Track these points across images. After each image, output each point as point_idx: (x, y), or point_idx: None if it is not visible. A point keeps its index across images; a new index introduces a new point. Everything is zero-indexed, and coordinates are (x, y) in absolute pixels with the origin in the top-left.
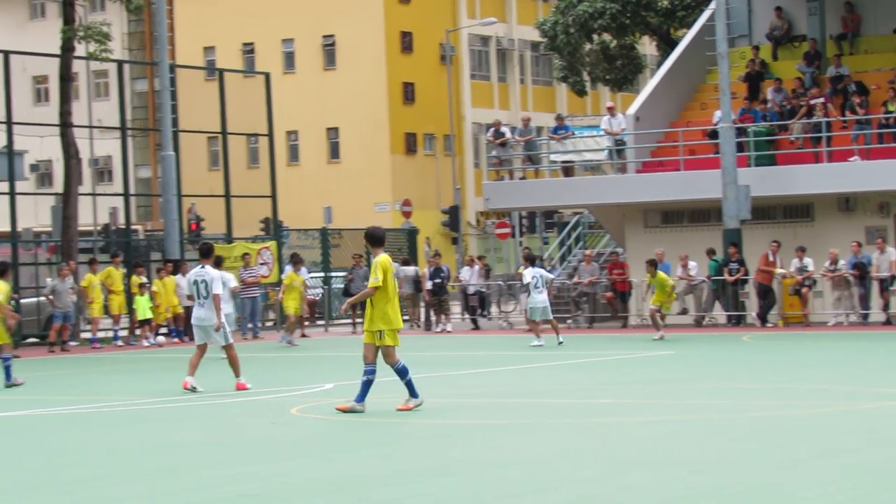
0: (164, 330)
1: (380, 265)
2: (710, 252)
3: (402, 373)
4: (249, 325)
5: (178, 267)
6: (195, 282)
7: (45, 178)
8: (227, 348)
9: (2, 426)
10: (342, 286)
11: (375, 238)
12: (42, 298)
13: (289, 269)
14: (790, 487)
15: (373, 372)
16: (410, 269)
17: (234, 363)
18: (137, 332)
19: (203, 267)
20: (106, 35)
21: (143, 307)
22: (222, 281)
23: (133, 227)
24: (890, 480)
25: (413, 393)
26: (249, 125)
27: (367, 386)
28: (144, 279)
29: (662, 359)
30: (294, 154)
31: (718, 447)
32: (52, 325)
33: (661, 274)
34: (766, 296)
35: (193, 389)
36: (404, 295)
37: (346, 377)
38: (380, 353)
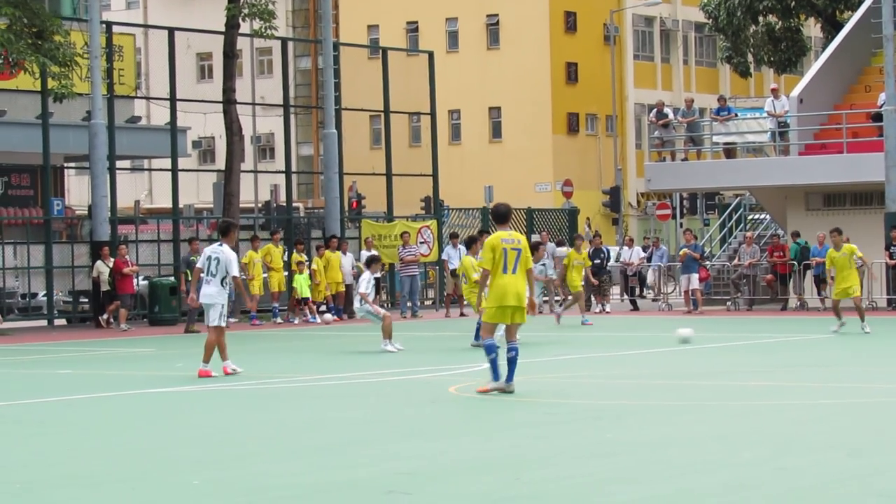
0: (323, 308)
1: (486, 245)
2: (795, 234)
3: (486, 350)
4: (409, 304)
5: (340, 244)
6: (209, 258)
7: (207, 154)
8: (213, 330)
9: (161, 402)
10: None
11: (499, 214)
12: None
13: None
14: None
15: (494, 349)
16: (559, 250)
17: (209, 348)
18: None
19: (221, 245)
20: (271, 12)
21: (302, 285)
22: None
23: (294, 204)
24: None
25: (495, 375)
26: (412, 104)
27: (495, 364)
28: (304, 257)
29: (821, 341)
30: (456, 133)
31: (877, 429)
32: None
33: (849, 245)
34: None
35: (234, 372)
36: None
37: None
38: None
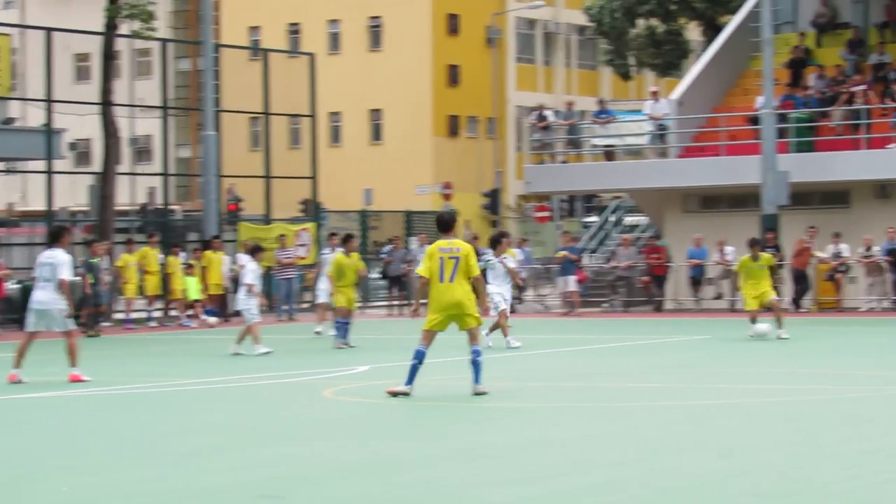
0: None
1: (426, 254)
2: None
3: (414, 354)
4: (285, 307)
5: (208, 244)
6: (41, 263)
7: (83, 156)
8: (68, 335)
9: (33, 407)
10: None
11: (442, 223)
12: (77, 278)
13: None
14: (815, 471)
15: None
16: None
17: (73, 352)
18: (173, 312)
19: (53, 249)
20: (150, 13)
21: (193, 288)
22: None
23: (171, 207)
24: None
25: (410, 379)
26: (292, 106)
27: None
28: (192, 260)
29: (696, 343)
30: (336, 135)
31: (748, 431)
32: (85, 306)
33: (767, 256)
34: (801, 281)
35: (20, 382)
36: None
37: (381, 359)
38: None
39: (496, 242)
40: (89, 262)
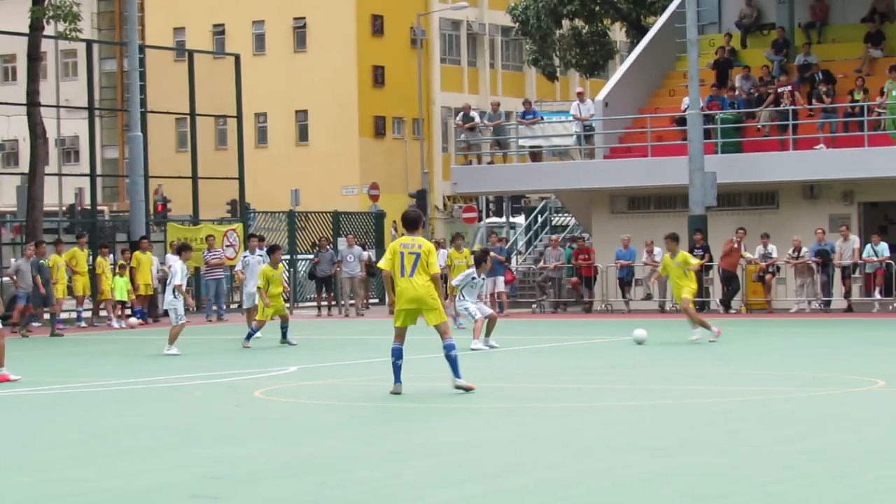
0: (128, 312)
1: (388, 249)
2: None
3: (392, 354)
4: (214, 307)
5: (136, 244)
6: None
7: (10, 157)
8: None
9: None
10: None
11: (408, 220)
12: (6, 279)
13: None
14: (750, 472)
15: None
16: (364, 254)
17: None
18: (102, 312)
19: None
20: (76, 14)
21: (121, 288)
22: None
23: (99, 207)
24: (848, 466)
25: (397, 377)
26: (218, 107)
27: (451, 361)
28: (109, 261)
29: (625, 344)
30: (262, 136)
31: (680, 432)
32: (16, 305)
33: (683, 253)
34: (730, 282)
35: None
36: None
37: (310, 360)
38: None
39: (481, 260)
40: (38, 262)
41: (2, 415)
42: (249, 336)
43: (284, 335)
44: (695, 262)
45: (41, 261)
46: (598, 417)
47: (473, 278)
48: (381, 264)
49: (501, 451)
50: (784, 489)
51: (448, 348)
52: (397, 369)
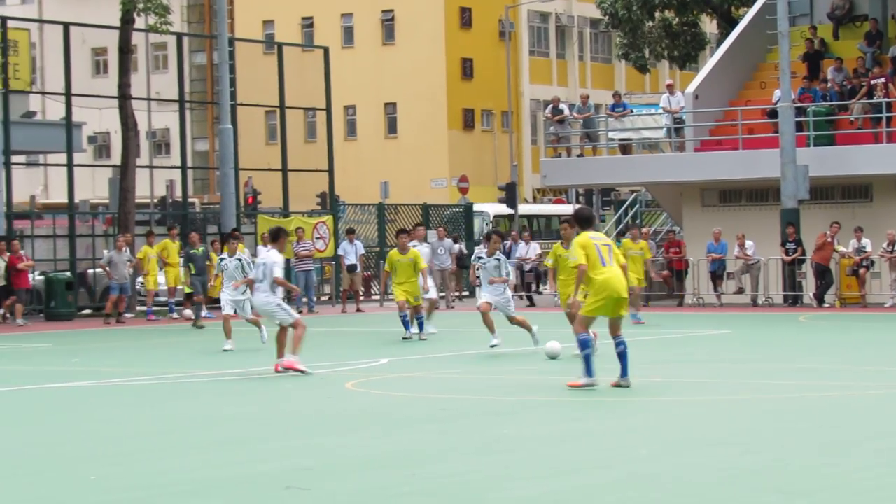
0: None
1: (576, 244)
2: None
3: (582, 345)
4: (304, 299)
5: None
6: (257, 264)
7: (102, 149)
8: (294, 326)
9: (57, 397)
10: None
11: (584, 219)
12: (99, 270)
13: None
14: (844, 469)
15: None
16: (455, 246)
17: (296, 340)
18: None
19: (268, 250)
20: (166, 8)
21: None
22: None
23: (190, 199)
24: None
25: (589, 371)
26: (307, 99)
27: (589, 360)
28: (212, 253)
29: (719, 338)
30: (351, 129)
31: (773, 427)
32: (109, 296)
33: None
34: (824, 276)
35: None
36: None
37: (401, 353)
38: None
39: (488, 239)
40: (190, 252)
41: (92, 405)
42: (408, 325)
43: (421, 325)
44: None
45: (192, 250)
46: (688, 412)
47: (480, 258)
48: (579, 259)
49: (589, 445)
50: (877, 485)
51: (621, 345)
52: (590, 360)
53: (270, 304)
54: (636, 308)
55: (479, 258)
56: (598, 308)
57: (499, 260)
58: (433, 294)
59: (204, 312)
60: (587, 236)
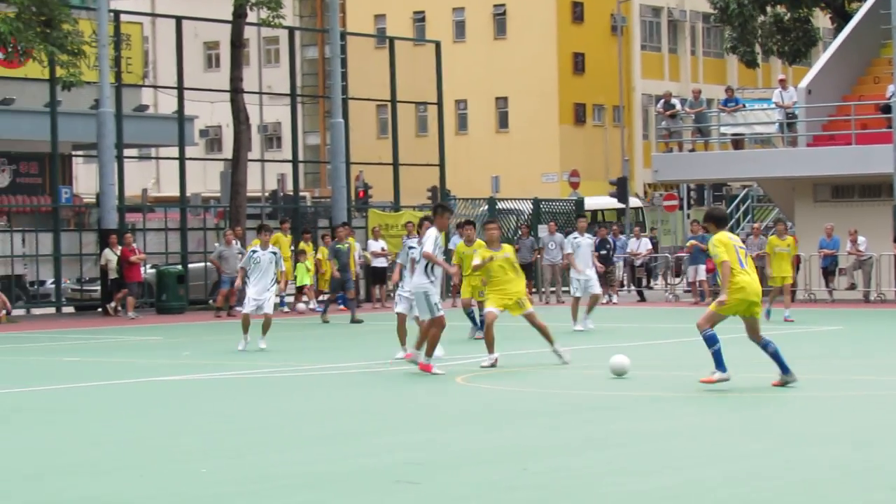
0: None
1: (717, 242)
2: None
3: (709, 341)
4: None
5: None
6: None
7: (214, 143)
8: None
9: (169, 391)
10: None
11: (719, 218)
12: (209, 264)
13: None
14: None
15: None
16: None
17: (425, 338)
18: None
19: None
20: (278, 2)
21: (301, 273)
22: None
23: (301, 193)
24: None
25: (721, 366)
26: (418, 93)
27: (719, 355)
28: (303, 245)
29: (830, 334)
30: (462, 123)
31: (885, 423)
32: (220, 290)
33: (479, 242)
34: None
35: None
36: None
37: (511, 347)
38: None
39: (420, 226)
40: (336, 247)
41: (203, 398)
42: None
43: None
44: (477, 260)
45: (337, 245)
46: (799, 407)
47: (412, 248)
48: (722, 257)
49: (701, 440)
50: None
51: (770, 344)
52: (720, 355)
53: (419, 290)
54: (786, 306)
55: (411, 248)
56: (731, 307)
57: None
58: (597, 288)
59: (313, 305)
60: (726, 236)
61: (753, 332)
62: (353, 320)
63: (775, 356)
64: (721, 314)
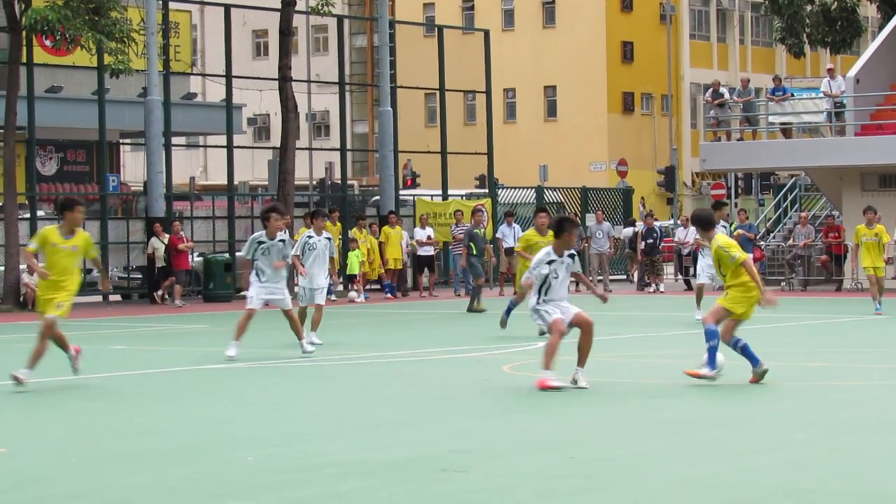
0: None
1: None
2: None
3: (707, 335)
4: (462, 282)
5: (386, 219)
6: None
7: (262, 131)
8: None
9: (214, 379)
10: None
11: (703, 221)
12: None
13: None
14: None
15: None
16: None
17: None
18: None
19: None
20: None
21: (352, 262)
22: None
23: (349, 182)
24: None
25: (711, 363)
26: (467, 82)
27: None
28: (356, 233)
29: (877, 322)
30: (511, 112)
31: None
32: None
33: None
34: None
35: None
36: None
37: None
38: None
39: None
40: (473, 231)
41: (248, 387)
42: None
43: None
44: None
45: (475, 230)
46: (845, 396)
47: (310, 237)
48: (742, 256)
49: (747, 428)
50: None
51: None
52: (714, 351)
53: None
54: (872, 296)
55: (309, 237)
56: (741, 305)
57: (328, 239)
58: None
59: (362, 298)
60: (725, 237)
61: (728, 334)
62: (473, 308)
63: (745, 351)
64: (728, 311)
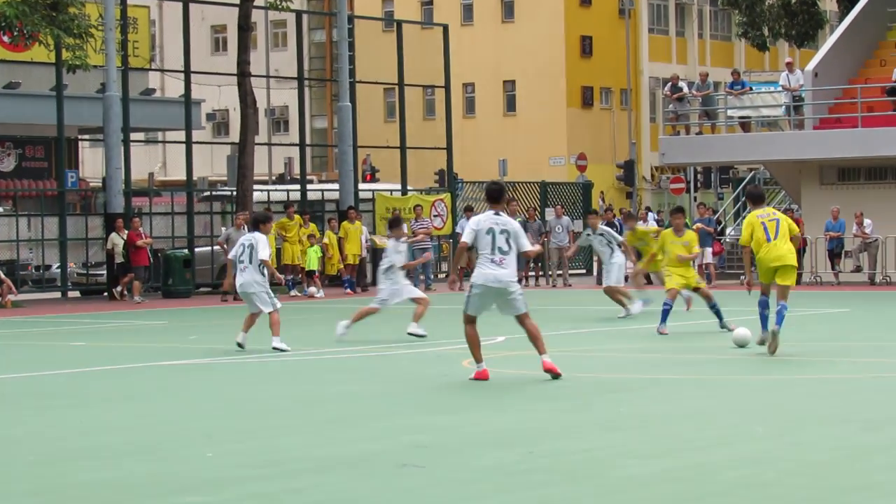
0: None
1: (745, 224)
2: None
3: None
4: (422, 277)
5: (345, 214)
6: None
7: (221, 127)
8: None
9: (174, 375)
10: None
11: (755, 196)
12: (216, 247)
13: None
14: None
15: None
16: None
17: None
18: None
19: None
20: None
21: (311, 258)
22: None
23: (308, 177)
24: None
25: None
26: (426, 77)
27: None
28: (327, 231)
29: (837, 316)
30: (470, 106)
31: (892, 405)
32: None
33: (640, 227)
34: None
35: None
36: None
37: (518, 330)
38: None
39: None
40: (229, 232)
41: (209, 383)
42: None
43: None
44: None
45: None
46: (804, 390)
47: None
48: (743, 241)
49: (706, 423)
50: None
51: (783, 308)
52: (765, 319)
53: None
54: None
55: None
56: (762, 277)
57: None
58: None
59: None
60: (754, 215)
61: (781, 295)
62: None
63: (778, 314)
64: (764, 283)
